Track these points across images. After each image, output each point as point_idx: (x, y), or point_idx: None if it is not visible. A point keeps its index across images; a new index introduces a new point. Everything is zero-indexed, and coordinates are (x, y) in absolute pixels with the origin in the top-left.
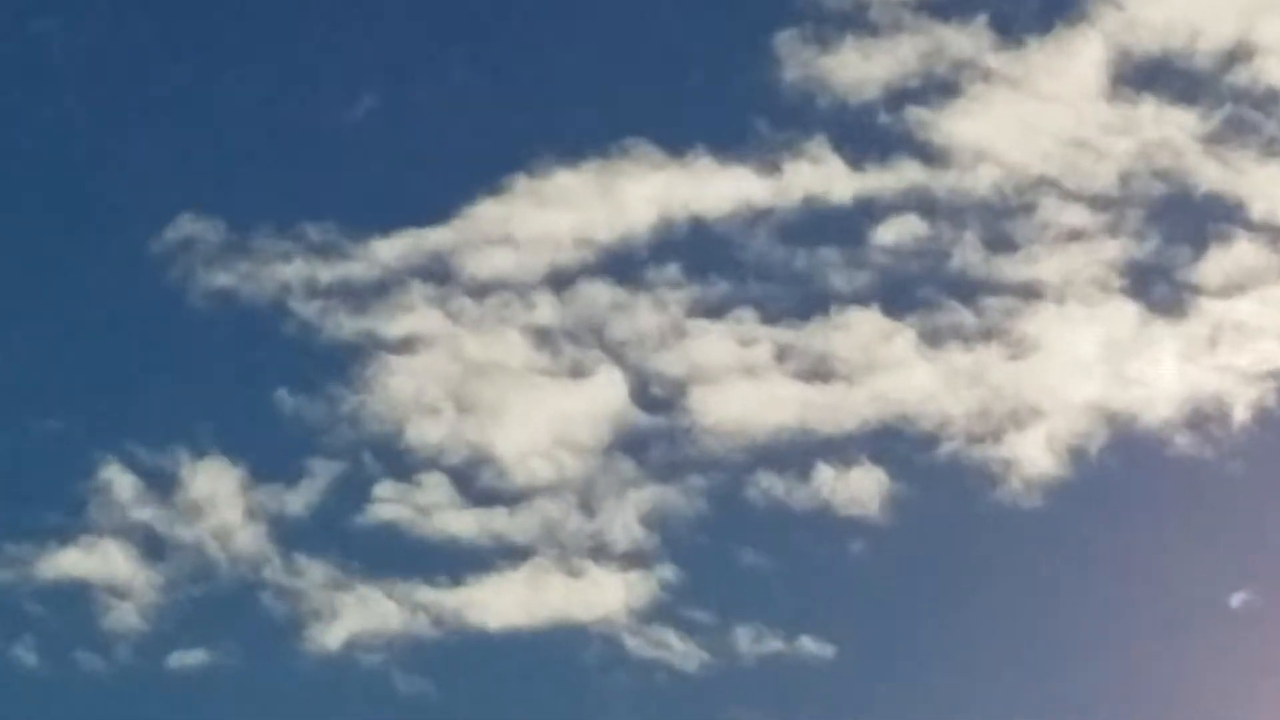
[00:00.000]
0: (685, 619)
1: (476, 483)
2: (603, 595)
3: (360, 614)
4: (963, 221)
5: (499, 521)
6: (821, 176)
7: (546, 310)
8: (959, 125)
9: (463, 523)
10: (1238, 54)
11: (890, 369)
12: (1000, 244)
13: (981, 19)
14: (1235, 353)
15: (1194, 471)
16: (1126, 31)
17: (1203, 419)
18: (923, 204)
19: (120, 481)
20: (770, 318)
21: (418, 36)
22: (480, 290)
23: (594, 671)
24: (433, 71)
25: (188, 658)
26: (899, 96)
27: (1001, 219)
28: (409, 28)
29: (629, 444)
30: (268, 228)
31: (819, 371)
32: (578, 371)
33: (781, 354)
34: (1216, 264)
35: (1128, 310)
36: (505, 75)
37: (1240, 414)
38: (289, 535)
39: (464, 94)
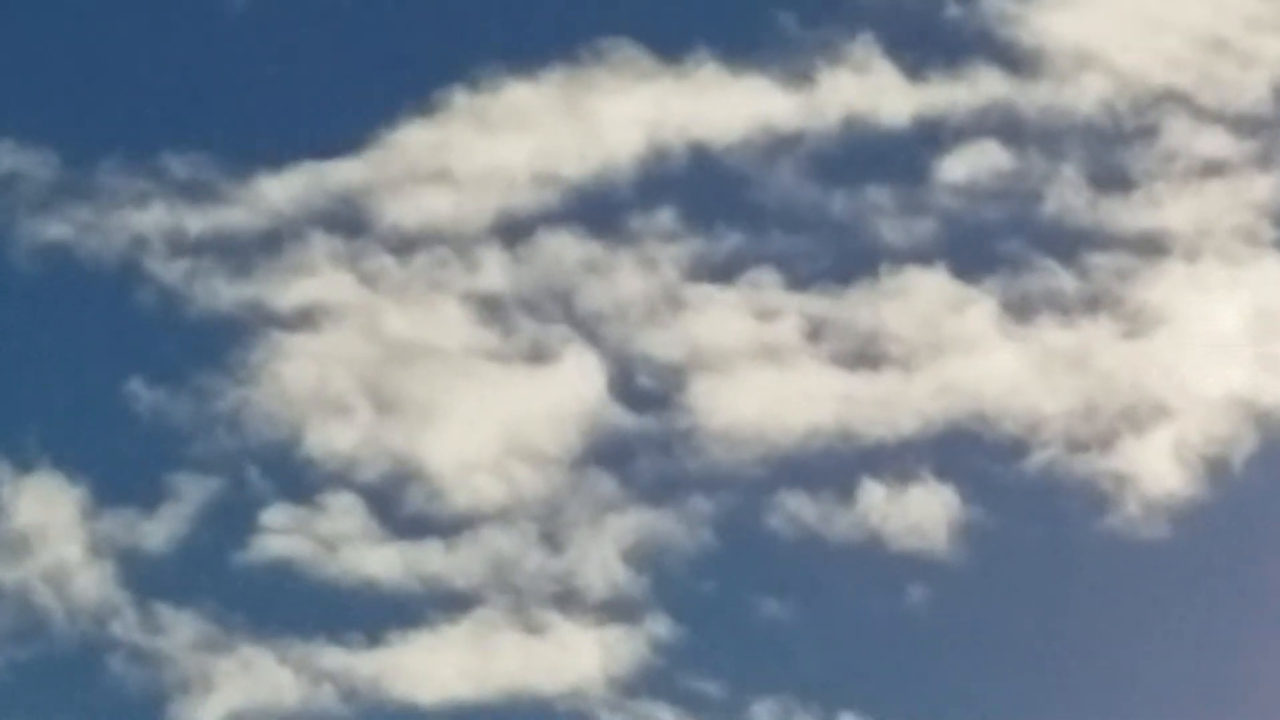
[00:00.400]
0: (684, 690)
1: (401, 507)
2: (572, 658)
3: (243, 683)
4: (1060, 151)
5: (432, 559)
6: (868, 90)
7: (495, 272)
8: (1054, 21)
9: (382, 561)
10: None
11: (962, 351)
12: (1111, 182)
13: None
14: None
15: None
16: None
17: None
18: (1006, 127)
19: None
20: (798, 282)
21: None
22: (405, 245)
23: None
24: None
25: None
26: None
27: (1113, 148)
28: None
29: (607, 454)
30: (115, 161)
31: (865, 355)
32: (538, 355)
33: (814, 331)
34: None
35: None
36: None
37: None
38: (146, 577)
39: None
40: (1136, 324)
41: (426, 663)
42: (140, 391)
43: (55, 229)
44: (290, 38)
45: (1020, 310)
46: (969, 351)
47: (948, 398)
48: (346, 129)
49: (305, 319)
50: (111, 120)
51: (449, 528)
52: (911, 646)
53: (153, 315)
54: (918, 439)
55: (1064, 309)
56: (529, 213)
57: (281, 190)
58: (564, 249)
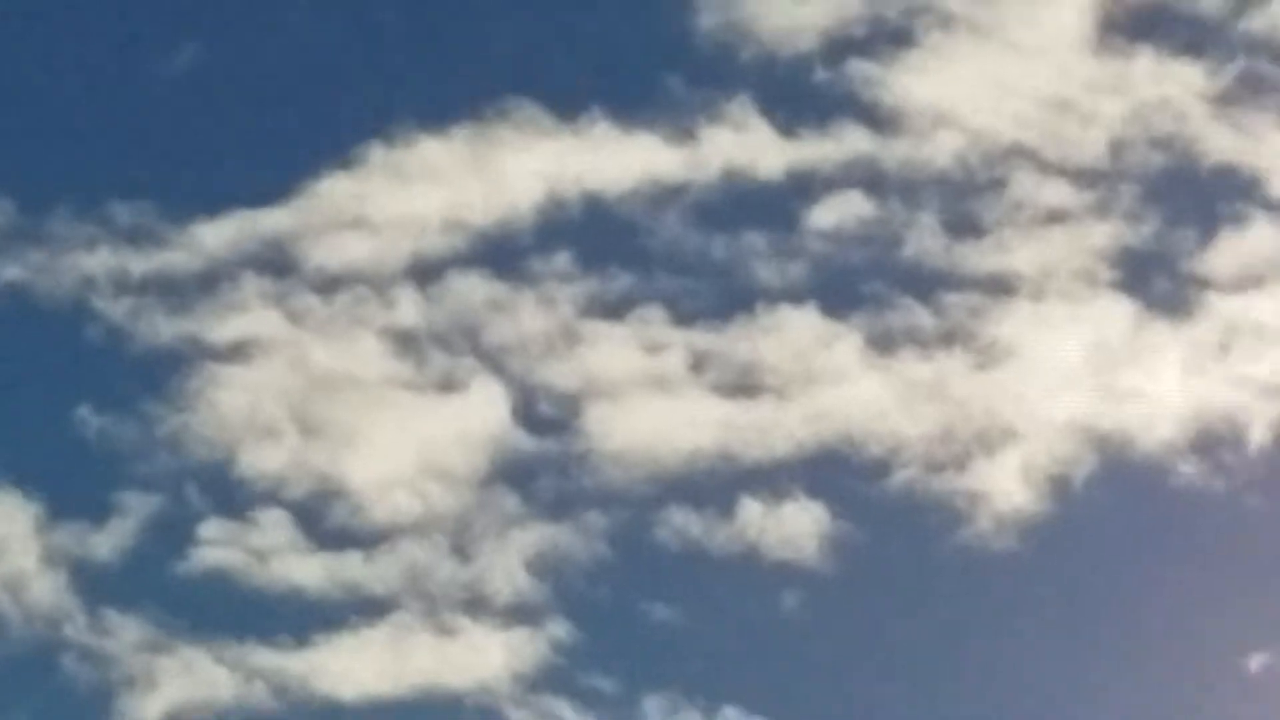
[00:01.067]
0: (582, 686)
1: (325, 521)
2: (481, 657)
3: (183, 681)
4: (918, 200)
5: (353, 568)
6: (746, 145)
7: (409, 309)
8: (914, 83)
9: (308, 570)
10: None
11: (831, 381)
12: (964, 228)
13: None
14: (1251, 360)
15: (1201, 506)
16: None
17: (1212, 441)
18: (869, 179)
19: None
20: (683, 318)
21: None
22: (328, 285)
23: None
24: (269, 14)
25: None
26: (840, 47)
27: (966, 197)
28: None
29: (511, 473)
30: (66, 209)
31: (744, 384)
32: (448, 384)
33: (698, 362)
34: (1228, 252)
35: (1120, 309)
36: (358, 19)
37: (1257, 435)
38: (95, 585)
39: (307, 43)
40: (987, 357)
41: (348, 662)
42: (89, 417)
43: (11, 271)
44: (225, 96)
45: (883, 344)
46: (837, 381)
47: (818, 423)
48: (275, 180)
49: (238, 352)
50: (62, 172)
51: (368, 540)
52: (785, 648)
53: (100, 348)
54: (791, 460)
55: (922, 343)
56: (439, 256)
57: (216, 235)
58: (471, 289)
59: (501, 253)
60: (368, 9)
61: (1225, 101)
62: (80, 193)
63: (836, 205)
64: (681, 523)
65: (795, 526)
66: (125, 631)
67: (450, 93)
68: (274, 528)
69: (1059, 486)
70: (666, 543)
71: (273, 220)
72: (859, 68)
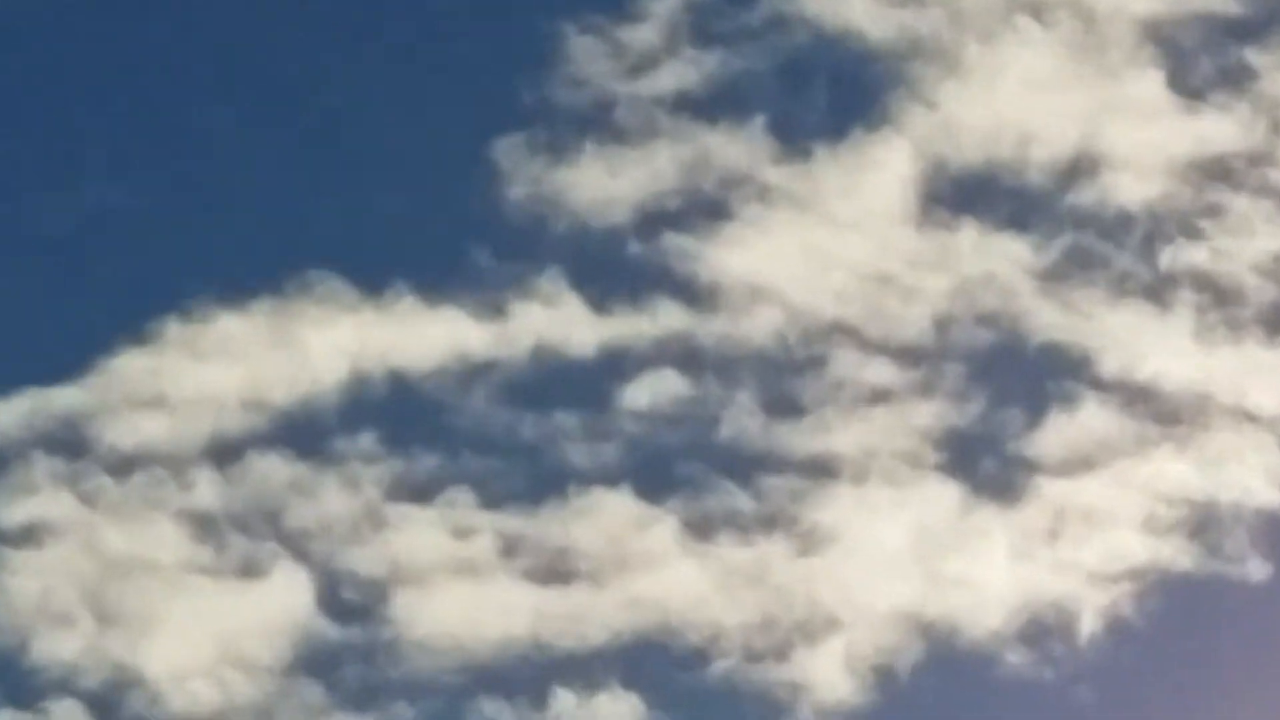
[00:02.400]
0: None
1: (120, 712)
2: None
3: None
4: (735, 379)
5: None
6: (556, 321)
7: (207, 491)
8: (729, 257)
9: None
10: (1080, 167)
11: (646, 567)
12: (784, 408)
13: (758, 122)
14: (1080, 545)
15: (1030, 697)
16: (941, 139)
17: (1041, 630)
18: (685, 356)
19: None
20: (492, 501)
21: None
22: (123, 466)
23: None
24: (56, 182)
25: None
26: (654, 220)
27: (785, 376)
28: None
29: (316, 662)
30: None
31: (556, 570)
32: (249, 570)
33: (508, 548)
34: (1056, 434)
35: (945, 492)
36: (150, 189)
37: (1088, 624)
38: None
39: (96, 213)
40: (809, 542)
41: None
42: None
43: None
44: (13, 273)
45: (700, 529)
46: (653, 567)
47: (633, 611)
48: (67, 357)
49: (29, 536)
50: None
51: None
52: None
53: None
54: (605, 649)
55: (741, 528)
56: (239, 436)
57: (6, 414)
58: (272, 470)
59: (303, 433)
60: (160, 176)
61: (1053, 277)
62: None
63: (651, 384)
64: (492, 713)
65: (610, 718)
66: None
67: (249, 266)
68: (67, 718)
69: (884, 677)
70: None
71: (64, 399)
72: (673, 241)
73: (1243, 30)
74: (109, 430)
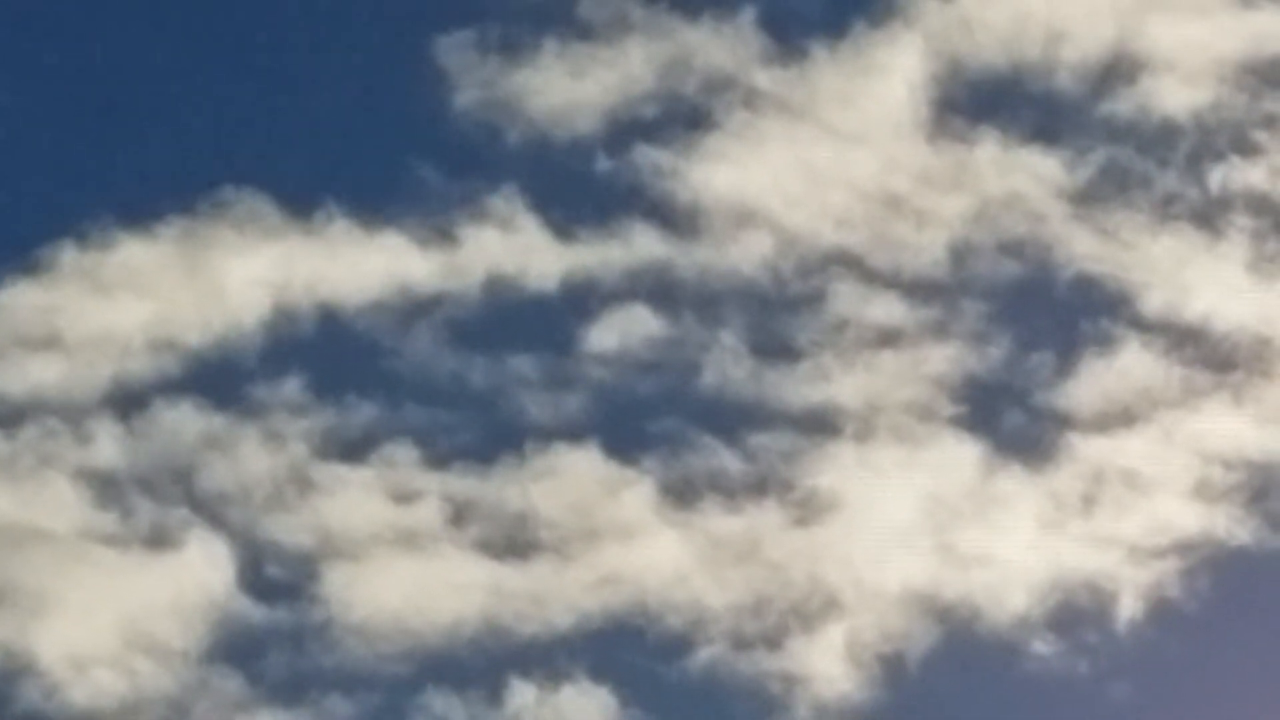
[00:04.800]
0: None
1: (11, 705)
2: None
3: None
4: (719, 317)
5: None
6: (512, 249)
7: (109, 447)
8: (712, 174)
9: None
10: (1118, 70)
11: (618, 538)
12: (775, 352)
13: (746, 16)
14: (1121, 516)
15: (1059, 693)
16: (957, 37)
17: (1073, 615)
18: (660, 291)
19: None
20: (438, 460)
21: None
22: (11, 417)
23: None
24: None
25: None
26: (624, 131)
27: (776, 314)
28: None
29: (236, 648)
30: None
31: (513, 542)
32: (158, 540)
33: (457, 515)
34: (1093, 383)
35: (963, 452)
36: (37, 93)
37: (1128, 607)
38: None
39: None
40: (806, 510)
41: None
42: None
43: None
44: None
45: (680, 494)
46: (626, 539)
47: (603, 590)
48: None
49: None
50: None
51: None
52: None
53: None
54: (570, 634)
55: (728, 493)
56: (145, 382)
57: None
58: (184, 422)
59: (220, 379)
60: (50, 78)
61: (1087, 199)
62: None
63: (622, 323)
64: (440, 708)
65: (576, 714)
66: None
67: (155, 183)
68: None
69: (891, 668)
70: None
71: None
72: (648, 156)
73: None
74: None
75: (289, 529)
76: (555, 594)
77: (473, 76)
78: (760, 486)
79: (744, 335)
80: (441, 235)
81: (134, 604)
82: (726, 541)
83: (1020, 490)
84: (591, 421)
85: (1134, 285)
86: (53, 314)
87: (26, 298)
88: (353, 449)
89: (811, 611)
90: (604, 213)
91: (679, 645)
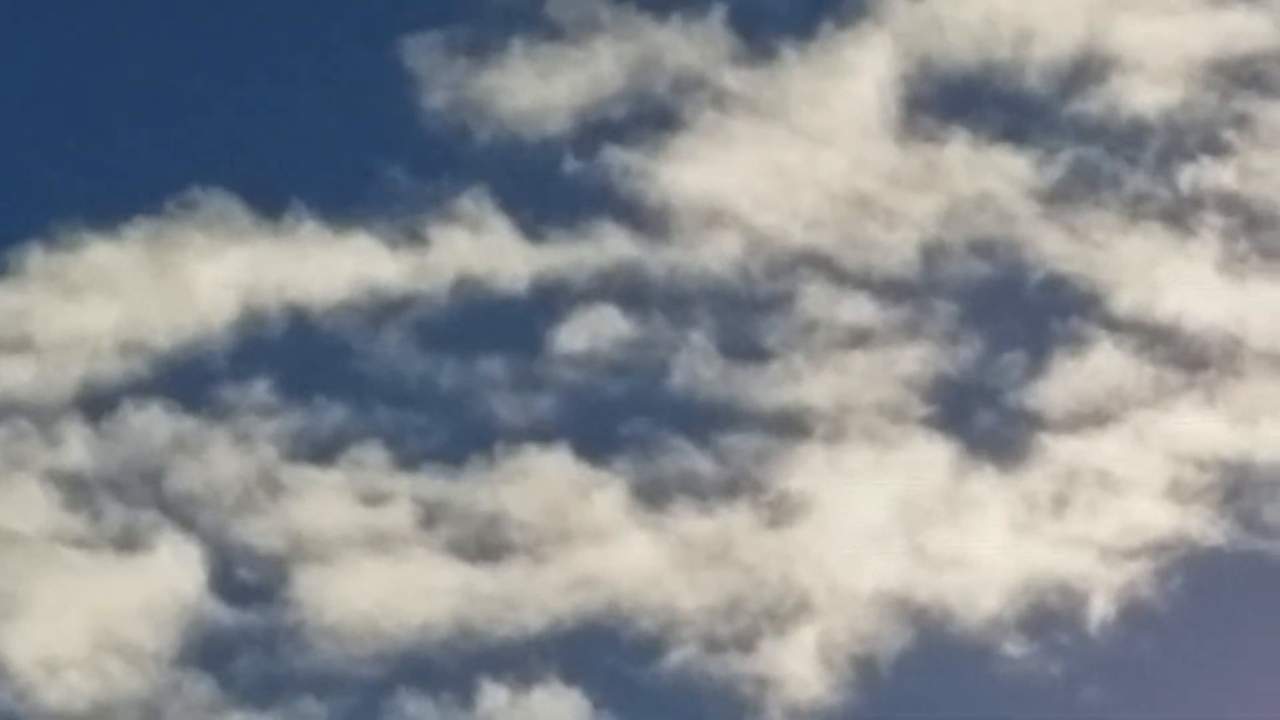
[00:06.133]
0: None
1: None
2: None
3: None
4: (689, 318)
5: None
6: (481, 250)
7: (78, 449)
8: (682, 175)
9: None
10: (1088, 70)
11: (589, 541)
12: (745, 353)
13: (715, 16)
14: (1093, 516)
15: (1033, 694)
16: (927, 36)
17: (1046, 617)
18: (630, 291)
19: None
20: (409, 462)
21: None
22: None
23: None
24: None
25: None
26: (594, 132)
27: (746, 315)
28: None
29: (207, 651)
30: None
31: (484, 544)
32: (128, 542)
33: (428, 517)
34: (1064, 383)
35: (935, 453)
36: (11, 98)
37: (1100, 608)
38: None
39: None
40: (777, 512)
41: None
42: None
43: None
44: None
45: (651, 496)
46: (597, 541)
47: (575, 592)
48: None
49: None
50: None
51: None
52: None
53: None
54: (543, 637)
55: (699, 495)
56: (114, 384)
57: None
58: (153, 424)
59: (189, 381)
60: (18, 79)
61: (1057, 199)
62: None
63: (591, 323)
64: (412, 711)
65: (548, 716)
66: None
67: (124, 184)
68: None
69: (864, 669)
70: None
71: None
72: (617, 156)
73: None
74: None
75: (259, 531)
76: (526, 596)
77: (441, 78)
78: (731, 488)
79: (714, 336)
80: (411, 236)
81: (104, 606)
82: (698, 543)
83: (992, 491)
84: (562, 423)
85: (1105, 285)
86: (21, 316)
87: None
88: (323, 451)
89: (783, 613)
90: (573, 213)
91: (651, 647)
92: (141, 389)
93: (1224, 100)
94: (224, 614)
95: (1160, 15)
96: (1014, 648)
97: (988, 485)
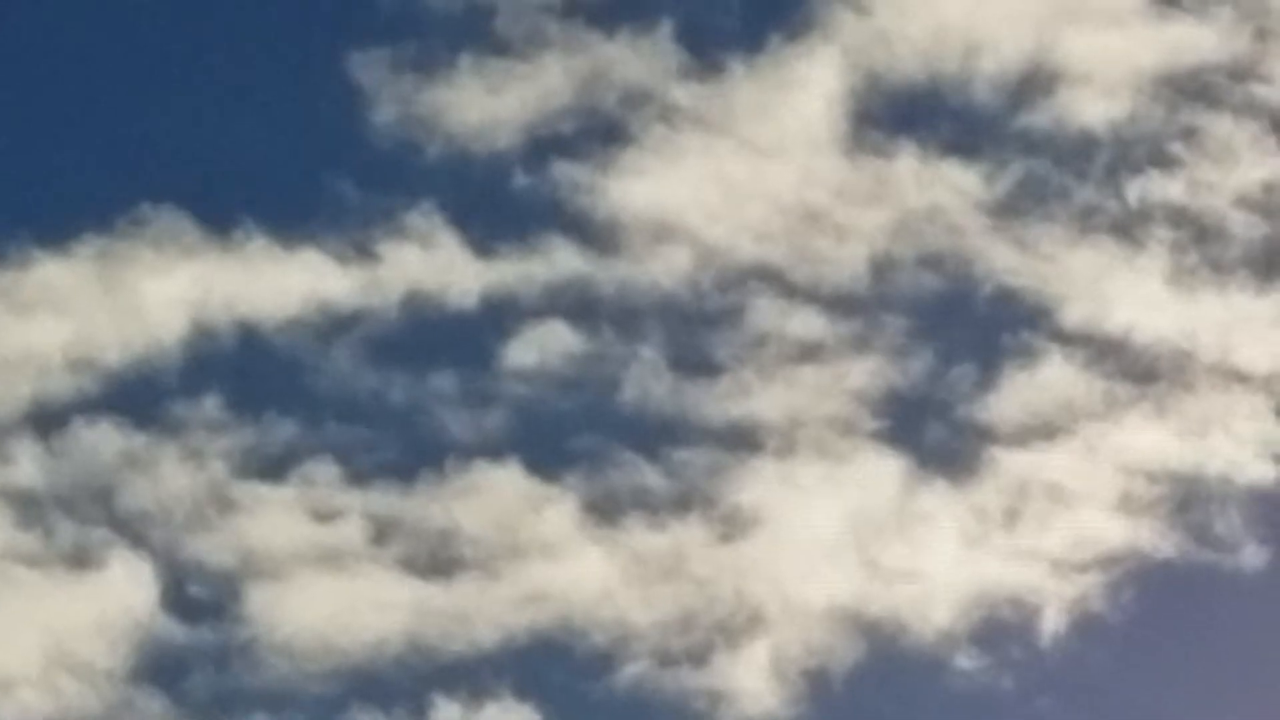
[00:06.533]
0: None
1: None
2: None
3: None
4: (639, 333)
5: None
6: (430, 265)
7: (29, 466)
8: (630, 189)
9: None
10: (1035, 83)
11: (541, 555)
12: (695, 367)
13: (663, 31)
14: (1044, 530)
15: (985, 706)
16: (875, 50)
17: (997, 630)
18: (579, 307)
19: None
20: (359, 478)
21: None
22: None
23: None
24: None
25: None
26: (542, 147)
27: (696, 329)
28: None
29: (160, 668)
30: None
31: (436, 559)
32: (80, 559)
33: (379, 533)
34: (1014, 396)
35: (886, 467)
36: None
37: (1052, 621)
38: None
39: None
40: (729, 526)
41: None
42: None
43: None
44: None
45: (603, 511)
46: (549, 556)
47: (527, 607)
48: None
49: None
50: None
51: None
52: None
53: None
54: (495, 652)
55: (650, 509)
56: (64, 401)
57: None
58: (103, 441)
59: (139, 398)
60: None
61: (1006, 212)
62: None
63: (541, 339)
64: None
65: None
66: None
67: (73, 201)
68: None
69: (816, 683)
70: None
71: None
72: (566, 171)
73: None
74: None
75: (211, 548)
76: (479, 612)
77: (390, 93)
78: (683, 502)
79: (664, 351)
80: (360, 252)
81: (57, 624)
82: (650, 558)
83: (943, 505)
84: (513, 438)
85: (1054, 298)
86: None
87: None
88: (273, 467)
89: (736, 628)
90: (523, 229)
91: (604, 662)
92: (92, 406)
93: (1170, 113)
94: (176, 631)
95: (1107, 28)
96: (966, 661)
97: (939, 499)
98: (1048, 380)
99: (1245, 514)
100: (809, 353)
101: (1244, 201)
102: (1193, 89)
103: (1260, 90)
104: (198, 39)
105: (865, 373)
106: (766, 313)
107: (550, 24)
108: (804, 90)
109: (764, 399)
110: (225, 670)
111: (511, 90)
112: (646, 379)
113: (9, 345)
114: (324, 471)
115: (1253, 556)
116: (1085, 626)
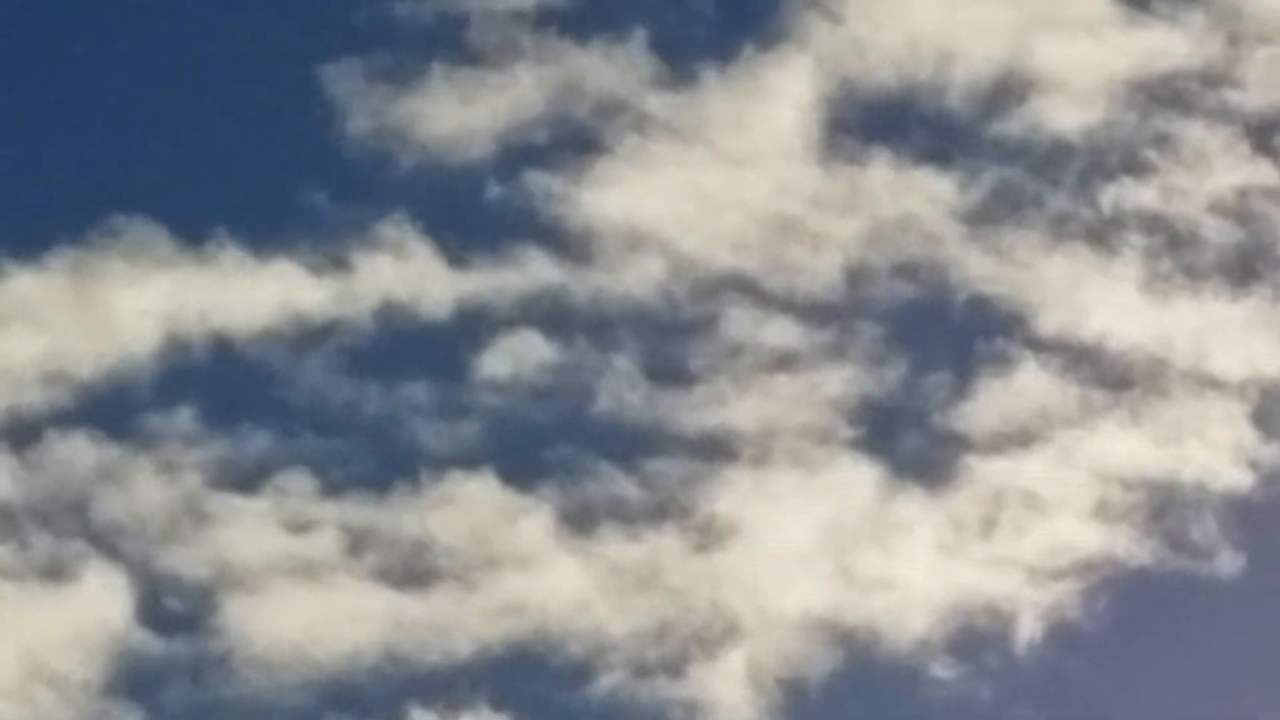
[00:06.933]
0: None
1: None
2: None
3: None
4: (613, 342)
5: None
6: (404, 276)
7: (2, 479)
8: (604, 199)
9: None
10: (1009, 90)
11: (516, 566)
12: (670, 377)
13: (636, 40)
14: (1019, 537)
15: (960, 715)
16: (848, 58)
17: (973, 638)
18: (553, 316)
19: None
20: (334, 489)
21: None
22: None
23: None
24: None
25: None
26: (515, 157)
27: (670, 339)
28: None
29: (135, 680)
30: None
31: (410, 570)
32: (54, 572)
33: (354, 544)
34: (989, 404)
35: (861, 476)
36: None
37: (1028, 629)
38: None
39: None
40: (704, 536)
41: None
42: None
43: None
44: None
45: (578, 521)
46: (524, 567)
47: (502, 618)
48: None
49: None
50: None
51: None
52: None
53: None
54: (471, 663)
55: (626, 519)
56: (37, 414)
57: None
58: (77, 454)
59: (112, 410)
60: None
61: (980, 220)
62: None
63: (515, 349)
64: None
65: None
66: None
67: (44, 212)
68: None
69: (792, 692)
70: None
71: None
72: (539, 181)
73: None
74: None
75: (186, 560)
76: (454, 623)
77: (362, 104)
78: (658, 512)
79: (638, 360)
80: (333, 263)
81: (32, 636)
82: (626, 568)
83: (919, 513)
84: (487, 449)
85: (1029, 305)
86: None
87: None
88: (247, 479)
89: (712, 637)
90: (496, 239)
91: (580, 673)
92: (65, 418)
93: (1144, 120)
94: (151, 643)
95: (1081, 35)
96: (942, 669)
97: (914, 507)
98: (1023, 388)
99: (1221, 521)
100: (784, 362)
101: (1218, 208)
102: (1166, 95)
103: (1233, 96)
104: (170, 50)
105: (840, 381)
106: (741, 322)
107: (523, 34)
108: (777, 99)
109: (739, 408)
110: (201, 682)
111: (484, 100)
112: (621, 389)
113: None
114: (299, 483)
115: (1228, 563)
116: (1061, 634)
